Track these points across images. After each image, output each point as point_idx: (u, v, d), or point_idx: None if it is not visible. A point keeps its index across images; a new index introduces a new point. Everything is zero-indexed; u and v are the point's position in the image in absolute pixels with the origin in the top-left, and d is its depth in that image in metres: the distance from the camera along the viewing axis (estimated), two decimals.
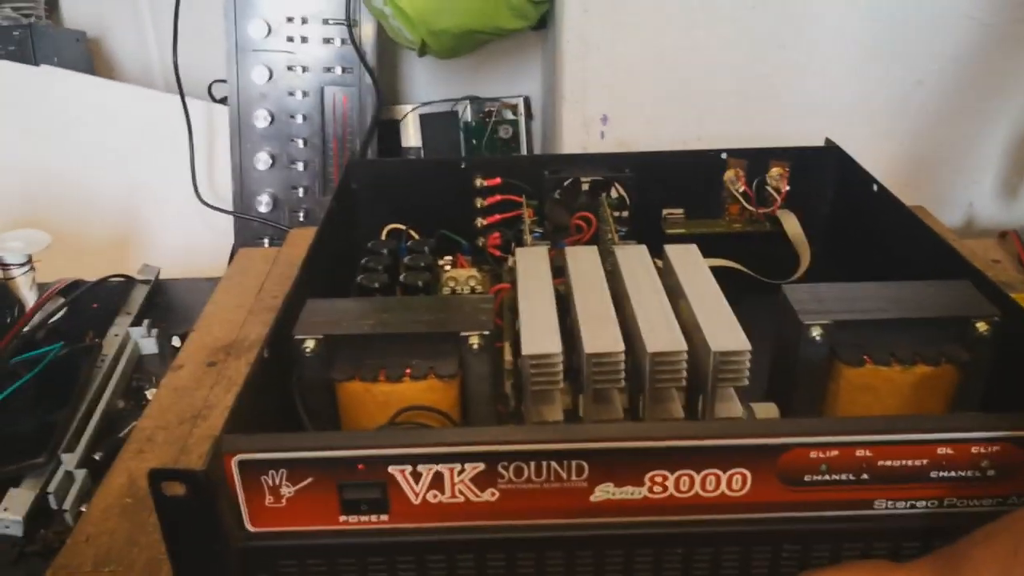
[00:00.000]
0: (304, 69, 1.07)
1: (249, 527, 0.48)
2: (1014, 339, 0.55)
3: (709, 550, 0.48)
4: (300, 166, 1.08)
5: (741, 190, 0.83)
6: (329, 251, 0.74)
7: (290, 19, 1.06)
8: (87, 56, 1.17)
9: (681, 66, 0.95)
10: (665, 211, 0.85)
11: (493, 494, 0.47)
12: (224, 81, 1.09)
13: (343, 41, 1.06)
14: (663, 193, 0.85)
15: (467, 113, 1.21)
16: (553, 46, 1.00)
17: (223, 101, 1.11)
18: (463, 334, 0.55)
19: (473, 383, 0.56)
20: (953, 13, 0.94)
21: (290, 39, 1.06)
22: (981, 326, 0.55)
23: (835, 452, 0.46)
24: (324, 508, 0.47)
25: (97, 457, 0.67)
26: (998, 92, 0.98)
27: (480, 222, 0.84)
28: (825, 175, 0.84)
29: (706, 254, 0.67)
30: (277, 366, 0.55)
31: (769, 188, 0.83)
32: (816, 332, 0.55)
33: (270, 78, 1.07)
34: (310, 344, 0.55)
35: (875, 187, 0.76)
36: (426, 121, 1.21)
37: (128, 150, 1.12)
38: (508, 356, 0.65)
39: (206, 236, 1.11)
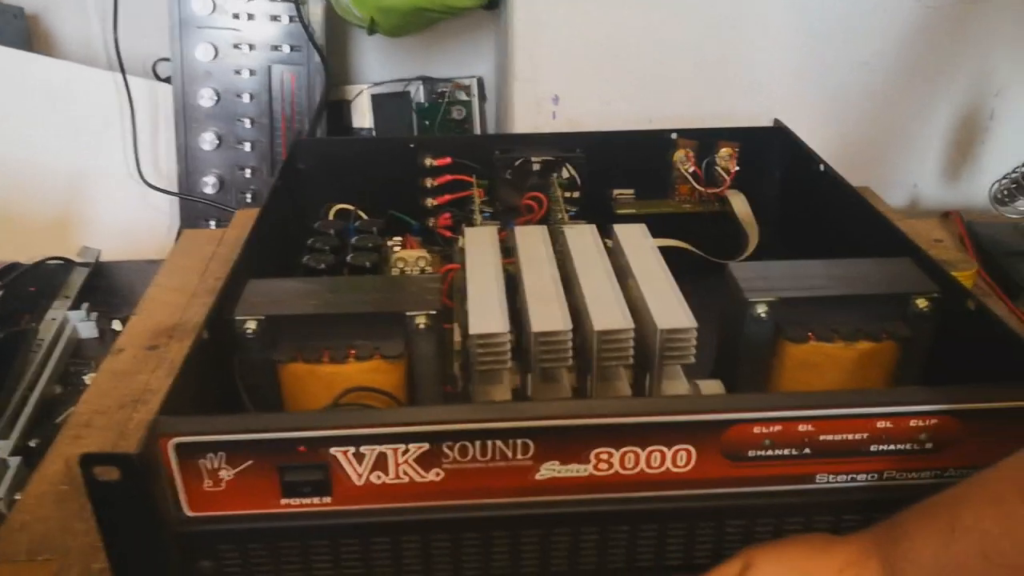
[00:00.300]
0: (250, 47, 1.04)
1: (187, 512, 0.47)
2: (953, 315, 0.56)
3: (654, 526, 0.48)
4: (247, 146, 1.06)
5: (691, 170, 0.83)
6: (274, 231, 0.72)
7: None
8: (24, 33, 1.12)
9: (632, 46, 0.95)
10: (616, 191, 0.85)
11: (438, 474, 0.47)
12: (169, 60, 1.06)
13: (291, 18, 1.04)
14: (614, 173, 0.85)
15: (420, 94, 1.19)
16: (505, 25, 0.99)
17: (168, 80, 1.08)
18: (409, 314, 0.54)
19: (420, 364, 0.55)
20: None
21: (236, 16, 1.03)
22: (921, 303, 0.56)
23: (778, 427, 0.46)
24: (265, 491, 0.46)
25: (32, 444, 0.66)
26: (941, 74, 1.00)
27: (430, 202, 0.83)
28: (773, 155, 0.84)
29: (656, 234, 0.67)
30: (218, 348, 0.54)
31: (718, 168, 0.83)
32: (761, 309, 0.55)
33: (215, 56, 1.04)
34: (251, 325, 0.54)
35: (821, 167, 0.77)
36: (378, 102, 1.19)
37: (69, 130, 1.08)
38: (457, 337, 0.65)
39: (150, 218, 1.08)
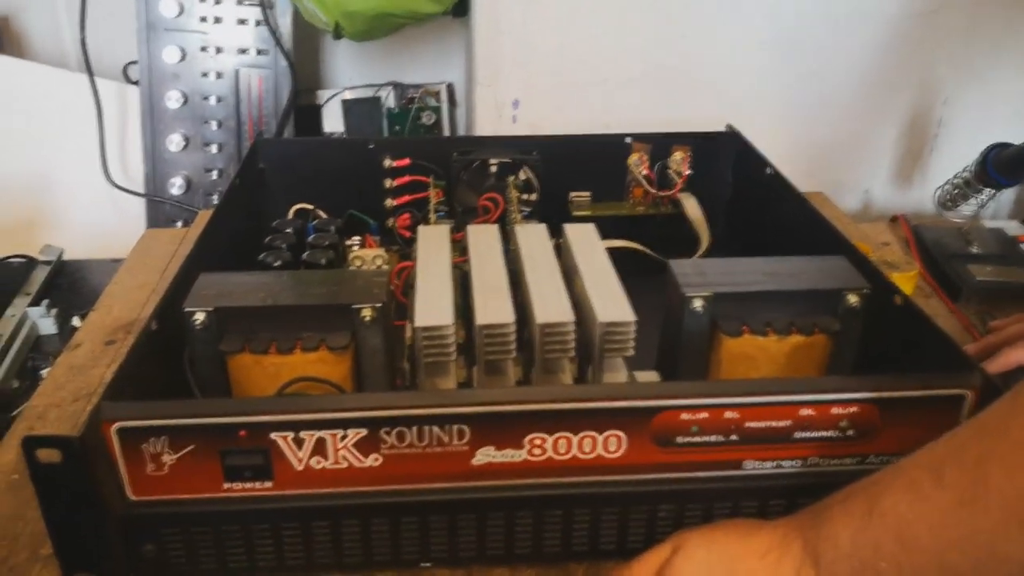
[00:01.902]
0: (218, 50, 1.06)
1: (130, 495, 0.48)
2: (883, 310, 0.58)
3: (587, 511, 0.50)
4: (214, 148, 1.07)
5: (644, 174, 0.85)
6: (233, 229, 0.74)
7: None
8: None
9: (590, 52, 0.97)
10: (572, 194, 0.87)
11: (376, 459, 0.48)
12: (138, 62, 1.07)
13: (258, 22, 1.05)
14: (570, 176, 0.86)
15: (391, 99, 1.21)
16: (470, 32, 1.01)
17: (138, 83, 1.09)
18: (355, 306, 0.55)
19: (366, 356, 0.57)
20: (847, 8, 0.98)
21: (203, 19, 1.05)
22: (852, 298, 0.58)
23: (705, 414, 0.48)
24: (207, 476, 0.48)
25: None
26: (891, 83, 1.03)
27: (389, 203, 0.85)
28: (725, 160, 0.87)
29: (611, 235, 0.69)
30: (168, 340, 0.55)
31: (671, 172, 0.85)
32: (698, 303, 0.57)
33: (183, 58, 1.05)
34: (199, 317, 0.55)
35: (768, 171, 0.79)
36: (348, 107, 1.20)
37: (38, 131, 1.09)
38: (409, 333, 0.66)
39: (117, 219, 1.09)
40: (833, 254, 0.63)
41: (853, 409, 0.49)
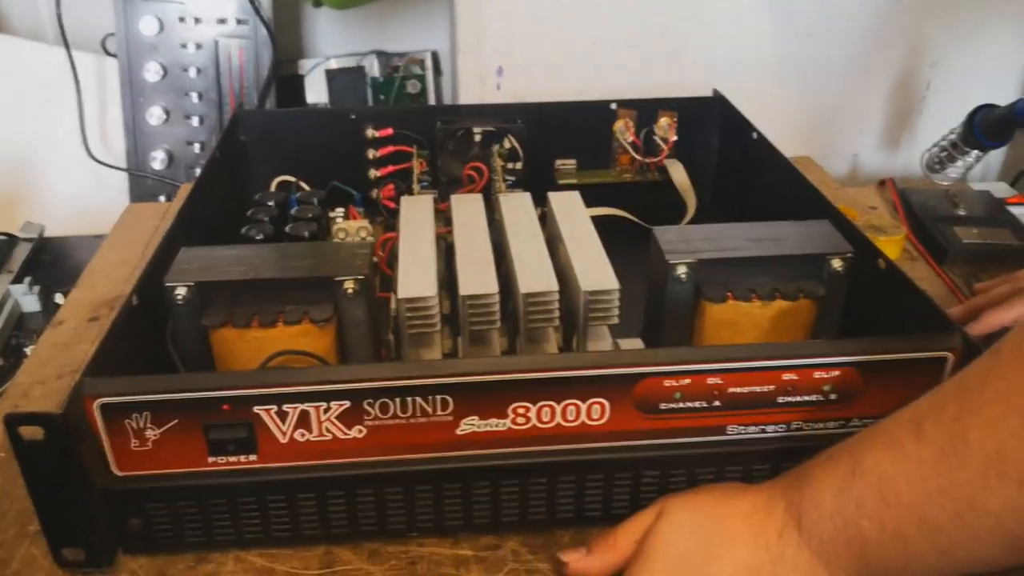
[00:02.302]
0: (196, 20, 1.04)
1: (115, 471, 0.48)
2: (867, 275, 0.58)
3: (572, 478, 0.50)
4: (195, 121, 1.06)
5: (630, 140, 0.85)
6: (215, 202, 0.73)
7: None
8: None
9: (575, 18, 0.96)
10: (558, 162, 0.86)
11: (360, 431, 0.48)
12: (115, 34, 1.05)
13: None
14: (555, 144, 0.86)
15: (375, 68, 1.19)
16: None
17: (116, 55, 1.08)
18: (337, 279, 0.55)
19: (349, 328, 0.56)
20: None
21: None
22: (836, 263, 0.57)
23: (687, 380, 0.48)
24: (191, 450, 0.48)
25: None
26: (879, 46, 1.02)
27: (373, 173, 0.84)
28: (711, 125, 0.86)
29: (597, 203, 0.69)
30: (150, 315, 0.55)
31: (657, 138, 0.85)
32: (681, 270, 0.56)
33: (160, 30, 1.03)
34: (181, 291, 0.54)
35: (754, 135, 0.78)
36: (332, 76, 1.18)
37: (16, 106, 1.07)
38: (393, 305, 0.66)
39: (99, 193, 1.07)
40: (819, 219, 0.63)
41: (835, 373, 0.49)
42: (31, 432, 0.44)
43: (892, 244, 0.78)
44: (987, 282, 0.73)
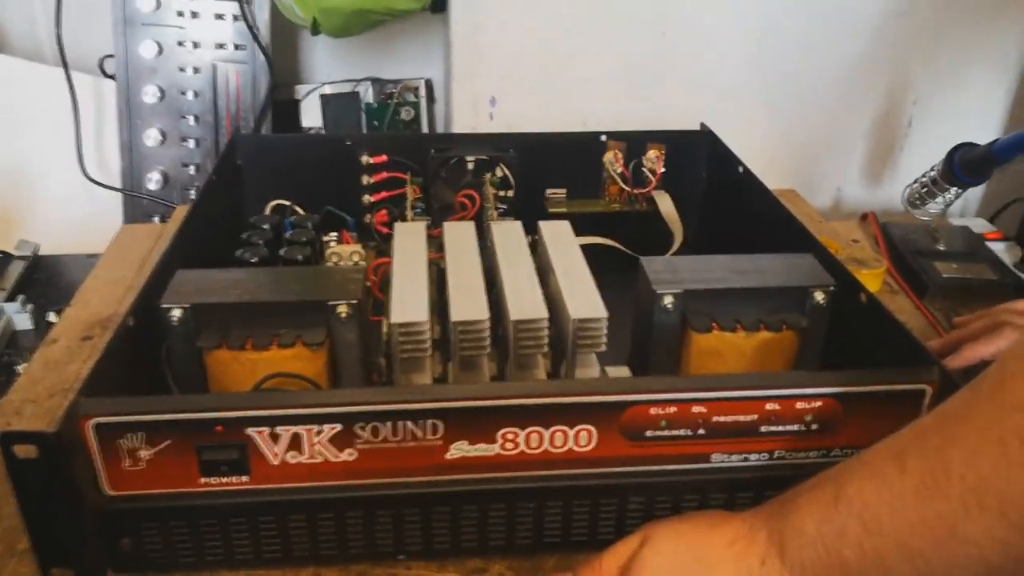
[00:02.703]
0: (195, 45, 1.05)
1: (107, 490, 0.48)
2: (849, 307, 0.59)
3: (559, 503, 0.51)
4: (192, 143, 1.07)
5: (619, 171, 0.86)
6: (210, 225, 0.74)
7: None
8: None
9: (566, 50, 0.98)
10: (548, 191, 0.88)
11: (351, 454, 0.49)
12: (114, 56, 1.07)
13: (235, 17, 1.05)
14: (546, 173, 0.87)
15: (369, 94, 1.21)
16: (447, 28, 1.01)
17: (114, 77, 1.09)
18: (331, 303, 0.56)
19: (342, 351, 0.57)
20: (822, 8, 0.99)
21: (180, 14, 1.04)
22: (819, 295, 0.59)
23: (673, 408, 0.49)
24: (184, 470, 0.48)
25: None
26: (863, 83, 1.04)
27: (367, 199, 0.85)
28: (698, 158, 0.88)
29: (586, 232, 0.70)
30: (145, 336, 0.55)
31: (645, 170, 0.87)
32: (668, 300, 0.58)
33: (160, 53, 1.05)
34: (177, 313, 0.55)
35: (740, 169, 0.80)
36: (327, 102, 1.20)
37: (13, 125, 1.09)
38: (385, 329, 0.67)
39: (94, 214, 1.08)
40: (798, 250, 0.64)
41: (817, 404, 0.50)
42: (24, 451, 0.45)
43: (873, 277, 0.80)
44: (966, 316, 0.74)
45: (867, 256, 0.83)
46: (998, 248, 0.90)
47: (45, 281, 0.89)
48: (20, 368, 0.73)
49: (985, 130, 1.08)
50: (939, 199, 0.89)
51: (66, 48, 1.05)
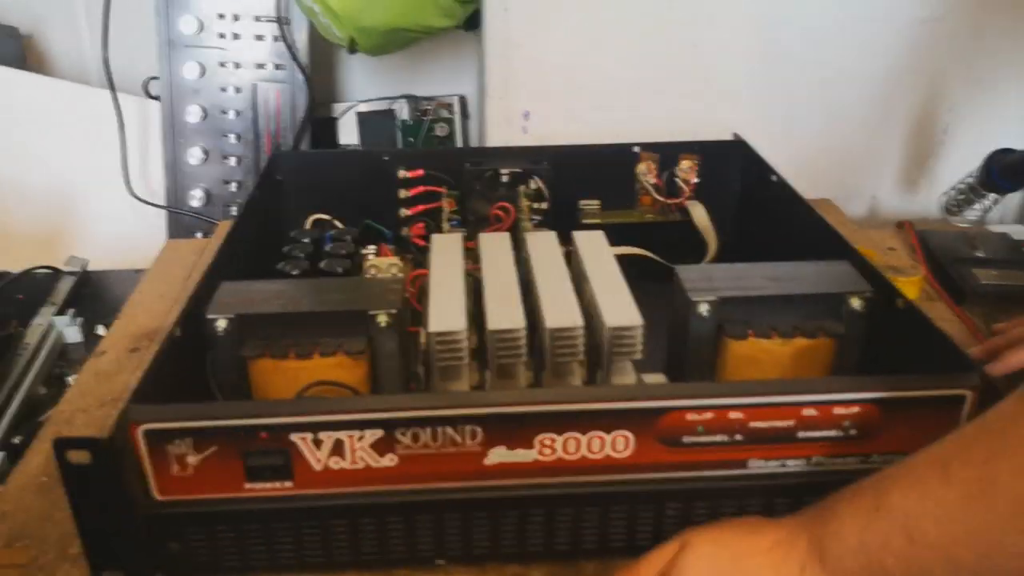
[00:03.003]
0: (236, 65, 1.08)
1: (156, 495, 0.50)
2: (886, 314, 0.59)
3: (596, 509, 0.51)
4: (233, 161, 1.10)
5: (652, 182, 0.87)
6: (251, 239, 0.76)
7: (221, 16, 1.07)
8: (20, 52, 1.16)
9: (599, 64, 0.99)
10: (581, 202, 0.89)
11: (392, 459, 0.50)
12: (158, 78, 1.10)
13: (275, 38, 1.08)
14: (580, 185, 0.88)
15: (404, 111, 1.23)
16: (482, 46, 1.03)
17: (158, 98, 1.12)
18: (371, 312, 0.57)
19: (382, 360, 0.58)
20: (855, 15, 0.99)
21: (222, 36, 1.07)
22: (855, 302, 0.59)
23: (710, 414, 0.50)
24: (230, 476, 0.50)
25: (16, 441, 0.68)
26: (897, 90, 1.04)
27: (404, 212, 0.87)
28: (732, 168, 0.88)
29: (620, 242, 0.70)
30: (192, 346, 0.57)
31: (679, 180, 0.87)
32: (704, 308, 0.58)
33: (202, 74, 1.08)
34: (222, 323, 0.57)
35: (774, 178, 0.80)
36: (363, 119, 1.22)
37: (62, 146, 1.12)
38: (423, 339, 0.68)
39: (139, 230, 1.11)
40: (838, 259, 0.64)
41: (855, 409, 0.50)
42: (78, 456, 0.46)
43: (911, 285, 0.80)
44: (1006, 323, 0.74)
45: (904, 264, 0.82)
46: None
47: (93, 296, 0.92)
48: (70, 379, 0.75)
49: (1022, 135, 1.06)
50: (977, 205, 0.88)
51: (112, 71, 1.08)
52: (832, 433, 0.51)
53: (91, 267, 0.97)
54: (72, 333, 0.83)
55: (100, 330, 0.83)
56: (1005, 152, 0.85)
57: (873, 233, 0.95)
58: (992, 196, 0.86)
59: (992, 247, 0.88)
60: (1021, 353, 0.65)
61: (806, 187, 0.78)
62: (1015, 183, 0.84)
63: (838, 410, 0.50)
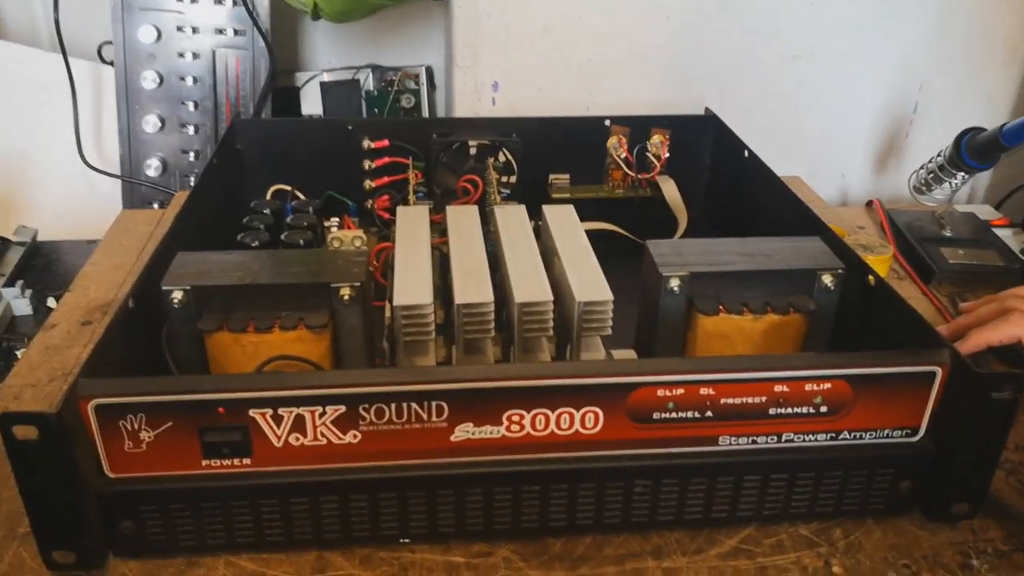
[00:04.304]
0: (195, 30, 1.04)
1: (108, 472, 0.48)
2: (857, 291, 0.59)
3: (565, 486, 0.50)
4: (191, 129, 1.06)
5: (623, 156, 0.86)
6: (210, 210, 0.73)
7: None
8: None
9: (570, 35, 0.97)
10: (551, 176, 0.87)
11: (355, 436, 0.48)
12: (112, 42, 1.06)
13: (235, 2, 1.04)
14: (549, 159, 0.87)
15: (369, 82, 1.20)
16: (449, 14, 1.00)
17: (112, 63, 1.08)
18: (334, 285, 0.55)
19: (345, 335, 0.57)
20: None
21: None
22: (827, 278, 0.58)
23: (680, 390, 0.49)
24: (185, 452, 0.48)
25: None
26: (867, 69, 1.04)
27: (369, 184, 0.85)
28: (703, 143, 0.87)
29: (590, 218, 0.69)
30: (146, 318, 0.55)
31: (649, 155, 0.86)
32: (674, 283, 0.57)
33: (158, 38, 1.04)
34: (177, 295, 0.55)
35: (746, 154, 0.79)
36: (327, 89, 1.19)
37: (11, 111, 1.08)
38: (388, 313, 0.66)
39: (92, 200, 1.08)
40: (809, 236, 0.64)
41: (826, 386, 0.50)
42: (25, 432, 0.44)
43: (880, 263, 0.79)
44: (973, 302, 0.74)
45: (873, 242, 0.82)
46: (1004, 234, 0.90)
47: (44, 267, 0.89)
48: (19, 353, 0.72)
49: (992, 115, 1.07)
50: (946, 185, 0.88)
51: (64, 34, 1.04)
52: (803, 409, 0.50)
53: (41, 237, 0.93)
54: (21, 305, 0.80)
55: (51, 302, 0.81)
56: (974, 131, 0.85)
57: (842, 211, 0.95)
58: (961, 175, 0.87)
59: (959, 227, 0.89)
60: (987, 332, 0.65)
61: (776, 165, 0.77)
62: (984, 162, 0.84)
63: (810, 386, 0.50)
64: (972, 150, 0.84)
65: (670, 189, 0.85)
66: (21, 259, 0.87)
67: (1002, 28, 1.03)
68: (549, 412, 0.48)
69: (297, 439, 0.48)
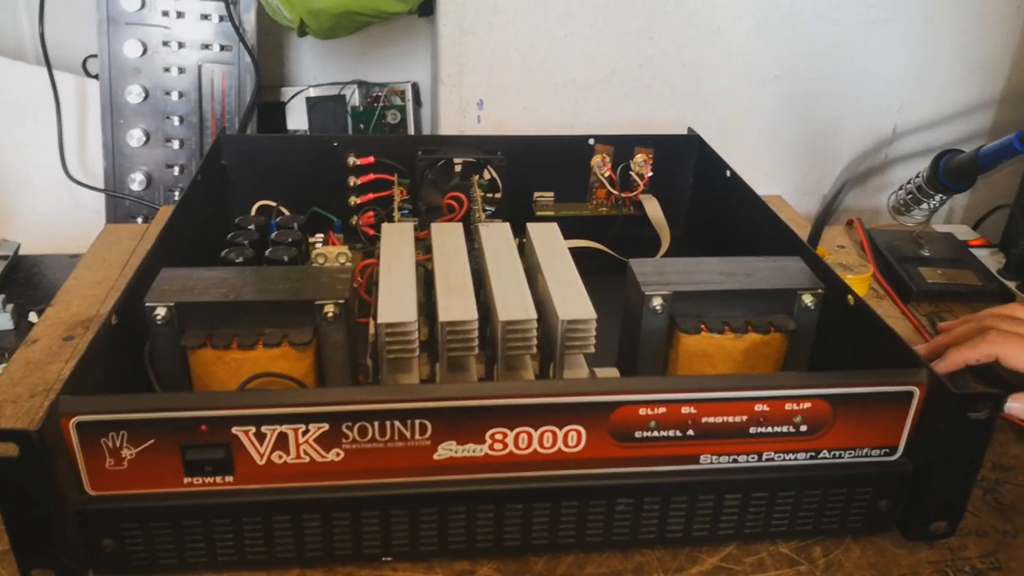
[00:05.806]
0: (180, 45, 1.05)
1: (89, 490, 0.47)
2: (837, 310, 0.59)
3: (547, 504, 0.51)
4: (176, 144, 1.06)
5: (607, 175, 0.86)
6: (195, 225, 0.73)
7: None
8: None
9: (555, 54, 0.98)
10: (536, 194, 0.88)
11: (338, 454, 0.48)
12: (97, 56, 1.06)
13: (221, 18, 1.04)
14: (534, 177, 0.87)
15: (355, 97, 1.21)
16: (435, 32, 1.01)
17: (97, 76, 1.08)
18: (318, 303, 0.55)
19: (329, 352, 0.57)
20: (807, 14, 1.00)
21: (165, 13, 1.04)
22: (807, 298, 0.59)
23: (662, 409, 0.49)
24: (167, 470, 0.48)
25: None
26: (848, 90, 1.05)
27: (354, 200, 0.85)
28: (686, 162, 0.88)
29: (574, 236, 0.70)
30: (129, 335, 0.55)
31: (633, 173, 0.87)
32: (657, 302, 0.58)
33: (144, 53, 1.04)
34: (161, 311, 0.54)
35: (728, 173, 0.80)
36: (313, 104, 1.20)
37: None
38: (372, 331, 0.66)
39: (75, 214, 1.07)
40: (790, 255, 0.65)
41: (806, 405, 0.50)
42: (5, 449, 0.44)
43: (859, 282, 0.80)
44: (951, 321, 0.75)
45: (853, 261, 0.83)
46: (981, 254, 0.91)
47: (25, 281, 0.88)
48: (0, 368, 0.72)
49: (969, 137, 1.09)
50: (924, 205, 0.89)
51: (49, 47, 1.04)
52: (783, 429, 0.51)
53: (24, 251, 0.93)
54: (2, 320, 0.79)
55: (32, 317, 0.80)
56: (952, 153, 0.86)
57: (823, 231, 0.96)
58: (939, 197, 0.88)
59: (938, 247, 0.90)
60: (965, 352, 0.66)
61: (757, 185, 0.78)
62: (961, 184, 0.86)
63: (789, 406, 0.50)
64: (950, 172, 0.85)
65: (653, 208, 0.86)
66: (2, 273, 0.87)
67: (980, 51, 1.05)
68: (532, 430, 0.49)
69: (280, 457, 0.48)
